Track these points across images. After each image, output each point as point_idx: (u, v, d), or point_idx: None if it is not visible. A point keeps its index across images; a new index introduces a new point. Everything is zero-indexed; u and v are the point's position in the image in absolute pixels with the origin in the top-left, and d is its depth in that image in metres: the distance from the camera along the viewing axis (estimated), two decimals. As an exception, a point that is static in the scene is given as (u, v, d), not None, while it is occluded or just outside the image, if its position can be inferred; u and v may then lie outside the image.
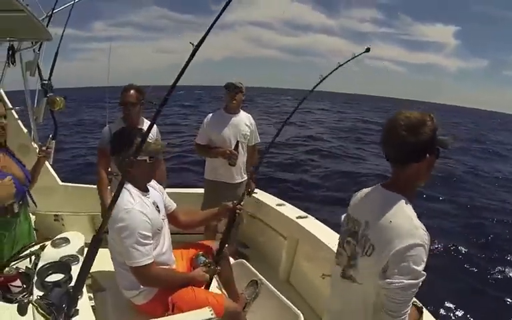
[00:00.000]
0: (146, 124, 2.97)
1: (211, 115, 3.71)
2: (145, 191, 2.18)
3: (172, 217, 2.43)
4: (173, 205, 2.46)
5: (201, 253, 2.42)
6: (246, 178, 3.74)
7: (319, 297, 2.91)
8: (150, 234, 2.00)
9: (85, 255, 1.50)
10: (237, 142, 3.47)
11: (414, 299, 1.42)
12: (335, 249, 2.68)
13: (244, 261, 2.90)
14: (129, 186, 2.06)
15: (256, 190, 3.89)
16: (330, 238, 2.97)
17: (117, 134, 2.26)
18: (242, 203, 2.63)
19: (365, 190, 1.64)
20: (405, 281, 1.31)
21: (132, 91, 3.01)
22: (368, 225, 1.46)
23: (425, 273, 1.32)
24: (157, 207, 2.21)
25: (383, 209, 1.42)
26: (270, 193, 4.14)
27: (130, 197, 2.02)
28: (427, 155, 1.41)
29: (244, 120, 3.63)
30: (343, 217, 1.76)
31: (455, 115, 69.21)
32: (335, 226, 3.12)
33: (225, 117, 3.61)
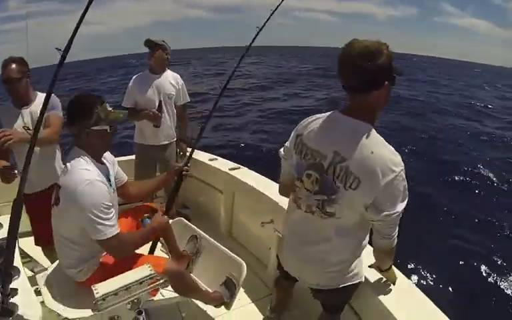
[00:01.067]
0: (40, 98, 2.64)
1: (135, 76, 3.57)
2: (101, 162, 2.03)
3: (123, 190, 2.30)
4: (124, 177, 2.33)
5: (146, 215, 2.35)
6: (174, 139, 3.67)
7: (261, 245, 3.00)
8: (111, 203, 1.89)
9: (8, 222, 1.43)
10: (160, 102, 3.37)
11: None
12: (271, 196, 2.76)
13: (182, 218, 2.90)
14: (86, 157, 1.91)
15: (188, 149, 3.84)
16: (264, 186, 3.03)
17: (74, 102, 1.97)
18: (189, 164, 2.60)
19: (318, 118, 1.56)
20: (400, 208, 1.41)
21: (13, 65, 2.56)
22: (341, 156, 1.40)
23: None
24: (109, 179, 2.07)
25: (358, 139, 1.39)
26: (203, 148, 4.09)
27: (88, 167, 1.88)
28: (386, 82, 1.40)
29: (169, 79, 3.51)
30: (282, 150, 1.76)
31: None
32: (267, 173, 3.24)
33: (149, 77, 3.48)
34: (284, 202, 2.03)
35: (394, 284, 1.86)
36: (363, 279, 1.74)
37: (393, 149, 1.41)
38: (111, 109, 1.98)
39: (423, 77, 32.31)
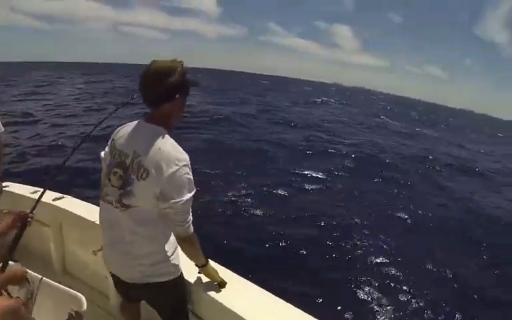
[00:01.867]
0: None
1: None
2: None
3: None
4: None
5: None
6: None
7: (98, 275, 2.93)
8: None
9: None
10: None
11: None
12: (98, 222, 2.66)
13: (11, 262, 2.65)
14: None
15: (7, 183, 3.50)
16: (90, 212, 2.96)
17: None
18: (34, 211, 2.35)
19: (129, 126, 1.78)
20: (186, 197, 1.63)
21: None
22: (137, 153, 1.62)
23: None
24: None
25: (151, 139, 1.63)
26: (20, 181, 3.79)
27: None
28: (177, 95, 1.68)
29: None
30: (102, 153, 1.87)
31: (219, 78, 74.99)
32: (93, 199, 3.11)
33: None
34: None
35: (222, 286, 2.08)
36: (180, 276, 1.94)
37: (180, 148, 1.67)
38: None
39: (244, 96, 35.07)
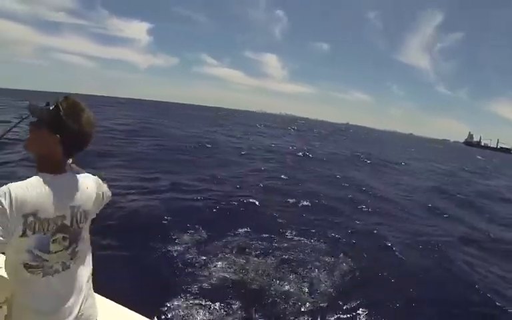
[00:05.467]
0: None
1: None
2: None
3: None
4: None
5: None
6: None
7: None
8: None
9: None
10: None
11: None
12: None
13: None
14: None
15: None
16: None
17: None
18: None
19: (31, 187, 1.46)
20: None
21: None
22: (76, 206, 1.62)
23: None
24: None
25: (77, 187, 1.66)
26: None
27: None
28: None
29: None
30: (1, 238, 1.36)
31: (147, 108, 71.80)
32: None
33: None
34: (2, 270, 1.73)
35: None
36: None
37: (91, 176, 1.80)
38: None
39: (166, 125, 33.39)
